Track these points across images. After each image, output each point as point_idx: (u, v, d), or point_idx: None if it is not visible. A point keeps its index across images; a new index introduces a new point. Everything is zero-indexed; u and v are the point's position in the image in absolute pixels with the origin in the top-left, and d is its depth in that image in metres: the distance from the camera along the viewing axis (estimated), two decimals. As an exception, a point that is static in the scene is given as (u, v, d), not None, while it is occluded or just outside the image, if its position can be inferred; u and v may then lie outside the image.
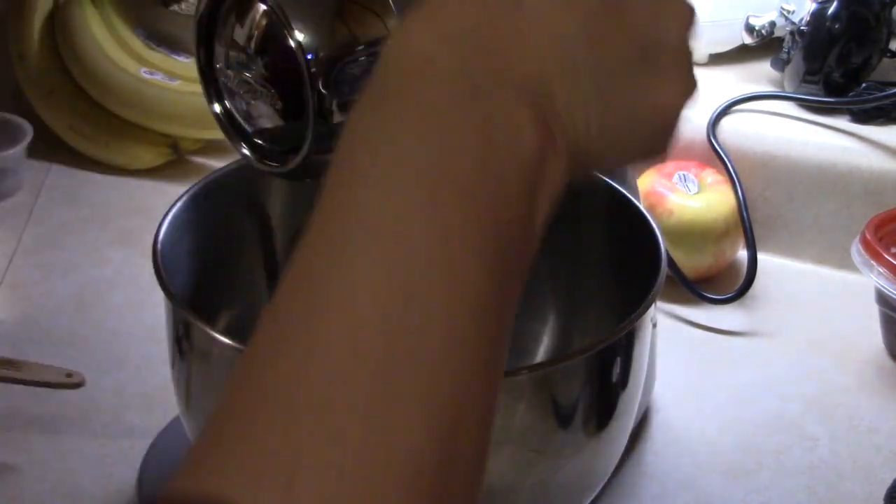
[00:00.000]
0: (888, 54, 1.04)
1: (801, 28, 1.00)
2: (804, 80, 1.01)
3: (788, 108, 1.01)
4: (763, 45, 1.06)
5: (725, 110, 1.00)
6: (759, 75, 1.08)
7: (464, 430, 0.31)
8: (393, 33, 0.36)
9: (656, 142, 0.40)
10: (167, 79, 1.07)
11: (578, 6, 0.36)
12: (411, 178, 0.32)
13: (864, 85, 1.00)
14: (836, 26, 0.99)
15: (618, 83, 0.37)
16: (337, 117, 0.51)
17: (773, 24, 1.04)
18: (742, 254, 0.94)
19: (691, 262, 0.91)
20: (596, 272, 0.71)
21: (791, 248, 0.98)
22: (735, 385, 0.82)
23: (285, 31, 0.50)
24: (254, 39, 0.52)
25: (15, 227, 0.98)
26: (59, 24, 1.07)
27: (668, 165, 0.95)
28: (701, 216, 0.91)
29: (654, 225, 0.64)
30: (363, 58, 0.51)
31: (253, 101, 0.53)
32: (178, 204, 0.64)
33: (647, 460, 0.74)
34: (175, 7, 1.11)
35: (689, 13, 0.40)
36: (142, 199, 1.03)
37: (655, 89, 0.39)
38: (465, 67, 0.34)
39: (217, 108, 0.56)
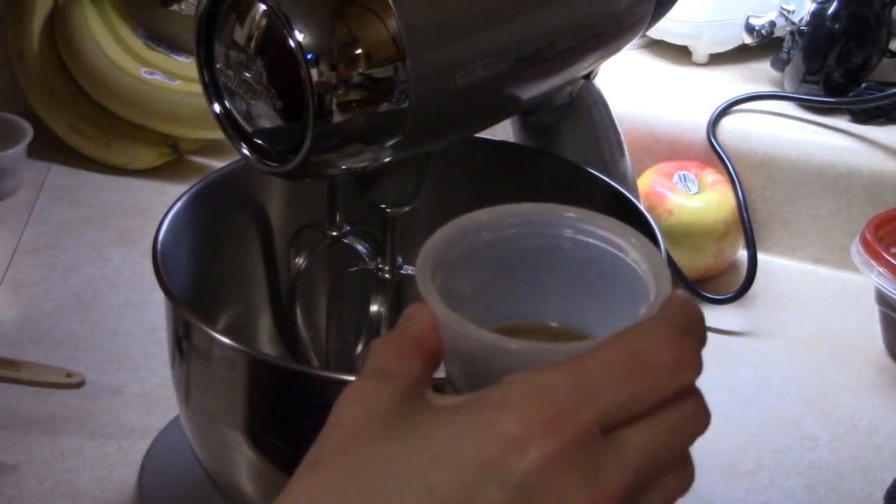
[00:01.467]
0: (888, 54, 1.04)
1: (801, 28, 1.00)
2: (804, 80, 1.01)
3: (788, 108, 1.01)
4: (763, 45, 1.06)
5: (725, 110, 1.00)
6: (759, 75, 1.08)
7: None
8: None
9: None
10: (167, 79, 1.07)
11: None
12: None
13: (864, 85, 1.00)
14: (836, 26, 0.99)
15: None
16: (337, 117, 0.51)
17: (773, 24, 1.04)
18: (742, 254, 0.94)
19: (691, 262, 0.91)
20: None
21: (791, 248, 0.98)
22: (735, 385, 0.82)
23: (285, 31, 0.50)
24: (254, 39, 0.51)
25: (15, 227, 0.98)
26: (59, 24, 1.07)
27: (668, 165, 0.95)
28: (701, 216, 0.91)
29: (654, 225, 0.63)
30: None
31: (253, 101, 0.53)
32: (178, 204, 0.64)
33: (647, 460, 0.74)
34: (175, 7, 1.11)
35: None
36: (142, 199, 1.03)
37: None
38: None
39: (217, 108, 0.56)
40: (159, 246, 0.60)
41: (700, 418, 0.36)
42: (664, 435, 0.35)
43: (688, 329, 0.36)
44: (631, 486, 0.34)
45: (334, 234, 0.68)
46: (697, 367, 0.35)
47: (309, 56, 0.49)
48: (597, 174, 0.69)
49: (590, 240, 0.41)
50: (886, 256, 0.81)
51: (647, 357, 0.35)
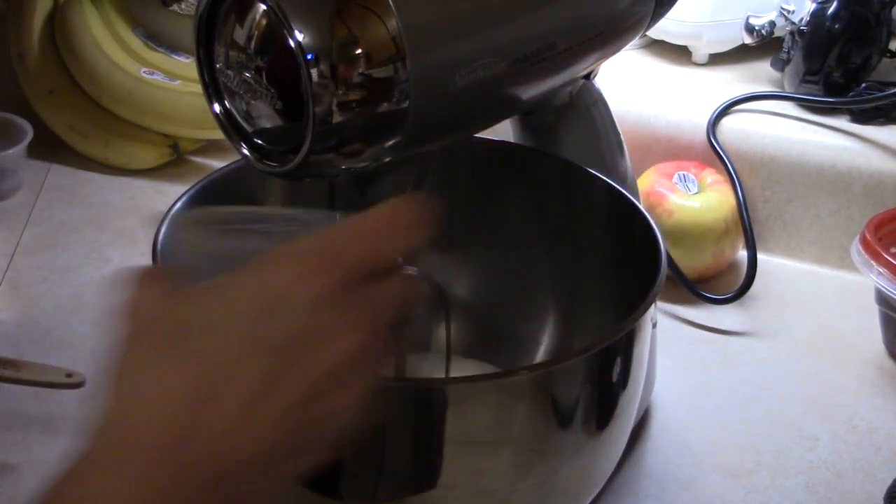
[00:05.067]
0: (888, 54, 1.04)
1: (801, 28, 1.00)
2: (804, 80, 1.01)
3: (788, 108, 1.01)
4: (763, 45, 1.06)
5: (725, 110, 1.00)
6: (759, 75, 1.08)
7: None
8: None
9: None
10: (167, 79, 1.07)
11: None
12: None
13: (863, 85, 1.00)
14: (836, 26, 0.99)
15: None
16: (337, 117, 0.51)
17: (773, 24, 1.04)
18: (742, 254, 0.94)
19: (691, 262, 0.91)
20: (596, 272, 0.71)
21: (791, 248, 0.98)
22: (735, 385, 0.82)
23: (285, 31, 0.50)
24: (254, 39, 0.51)
25: (15, 227, 0.98)
26: (59, 24, 1.07)
27: (668, 165, 0.95)
28: (701, 216, 0.91)
29: (654, 225, 0.64)
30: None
31: (253, 101, 0.53)
32: (178, 204, 0.64)
33: (647, 460, 0.74)
34: (175, 7, 1.11)
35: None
36: (142, 199, 1.03)
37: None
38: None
39: (217, 108, 0.56)
40: (159, 246, 0.60)
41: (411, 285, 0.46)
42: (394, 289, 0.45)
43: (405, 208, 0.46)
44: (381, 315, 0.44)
45: (334, 234, 0.67)
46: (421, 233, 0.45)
47: (309, 56, 0.49)
48: (597, 174, 0.69)
49: None
50: (886, 256, 0.81)
51: (381, 222, 0.45)
